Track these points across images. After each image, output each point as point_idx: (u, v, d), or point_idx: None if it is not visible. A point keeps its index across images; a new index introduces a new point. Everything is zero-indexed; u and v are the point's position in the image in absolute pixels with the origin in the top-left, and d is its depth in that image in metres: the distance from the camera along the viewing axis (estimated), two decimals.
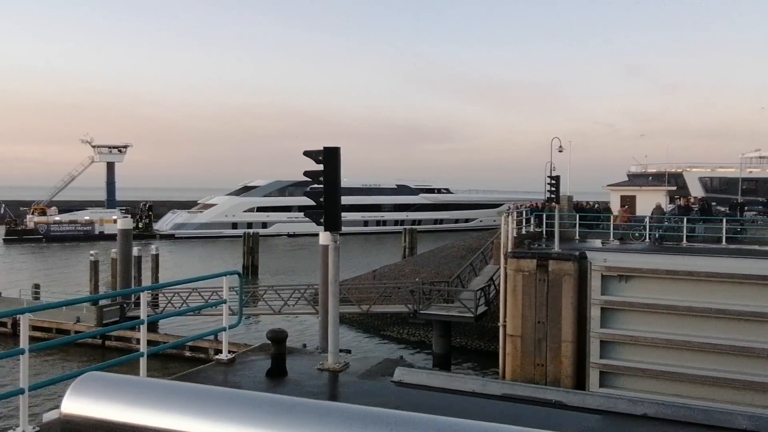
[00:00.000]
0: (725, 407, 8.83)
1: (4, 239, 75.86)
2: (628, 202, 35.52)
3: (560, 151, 29.75)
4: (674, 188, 47.60)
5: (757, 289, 18.81)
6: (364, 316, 32.19)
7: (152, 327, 30.47)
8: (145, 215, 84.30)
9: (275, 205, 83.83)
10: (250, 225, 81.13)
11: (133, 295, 31.49)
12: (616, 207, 34.57)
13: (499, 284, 24.76)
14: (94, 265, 37.92)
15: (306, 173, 8.68)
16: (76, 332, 28.74)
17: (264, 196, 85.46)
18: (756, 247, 22.66)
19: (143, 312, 7.35)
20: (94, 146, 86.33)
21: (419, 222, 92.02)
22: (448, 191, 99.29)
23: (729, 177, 61.51)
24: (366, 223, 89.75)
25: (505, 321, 21.34)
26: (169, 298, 31.96)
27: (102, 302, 31.43)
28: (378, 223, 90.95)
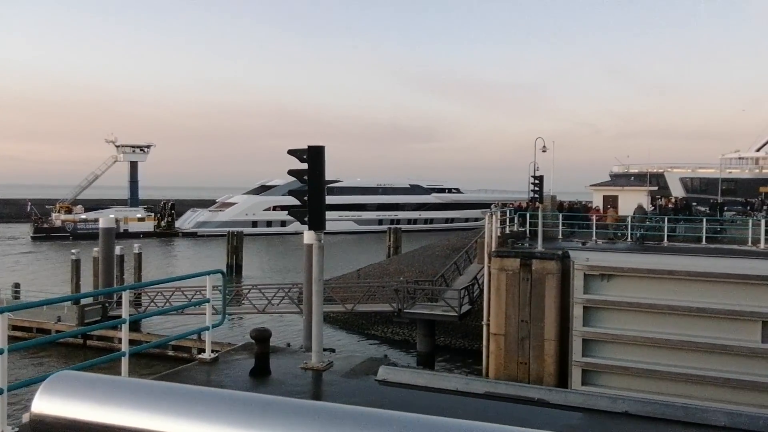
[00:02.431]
0: (704, 404, 8.96)
1: (32, 237, 76.94)
2: (610, 201, 35.83)
3: (544, 151, 29.99)
4: (656, 188, 48.11)
5: (735, 287, 19.08)
6: (349, 315, 32.16)
7: (135, 326, 30.20)
8: (168, 214, 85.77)
9: (292, 204, 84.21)
10: (269, 223, 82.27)
11: (115, 294, 31.18)
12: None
13: (482, 283, 24.87)
14: (76, 264, 37.51)
15: (290, 172, 8.67)
16: (57, 332, 28.39)
17: (282, 195, 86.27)
18: (735, 246, 22.99)
19: (125, 311, 7.29)
20: (117, 146, 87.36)
21: (431, 221, 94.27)
22: (458, 191, 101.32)
23: (709, 177, 62.35)
24: (381, 222, 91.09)
25: (488, 320, 21.44)
26: (152, 297, 31.70)
27: (83, 301, 31.08)
28: (392, 221, 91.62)
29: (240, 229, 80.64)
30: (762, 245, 22.59)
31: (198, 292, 29.31)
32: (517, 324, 20.72)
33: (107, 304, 31.52)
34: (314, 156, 8.41)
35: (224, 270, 11.82)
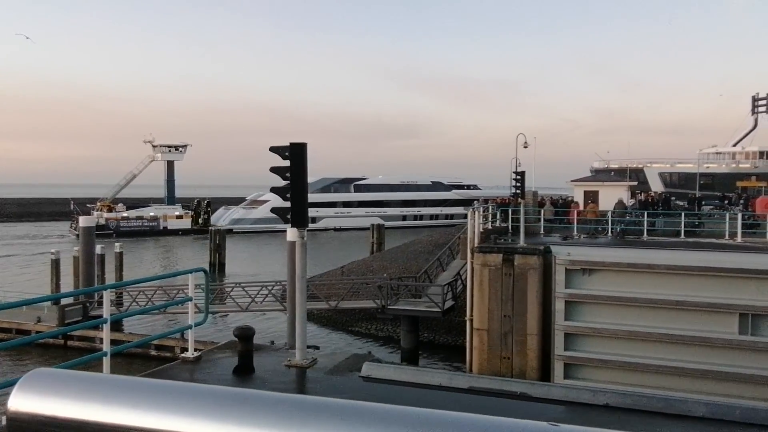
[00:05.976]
0: (684, 396, 9.11)
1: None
2: (591, 197, 36.20)
3: (525, 147, 30.12)
4: (635, 183, 48.68)
5: (713, 280, 19.37)
6: (333, 312, 32.13)
7: (116, 326, 29.89)
8: (204, 211, 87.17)
9: (322, 201, 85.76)
10: None
11: (96, 294, 30.84)
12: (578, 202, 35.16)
13: (465, 279, 25.00)
14: (56, 264, 37.04)
15: (272, 169, 8.63)
16: (37, 332, 28.02)
17: (311, 193, 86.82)
18: (713, 240, 23.38)
19: (106, 310, 7.24)
20: (154, 146, 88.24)
21: (452, 216, 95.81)
22: (476, 187, 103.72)
23: (687, 172, 63.18)
24: (404, 218, 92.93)
25: (471, 315, 21.56)
26: (133, 296, 31.41)
27: (64, 301, 30.70)
28: (415, 217, 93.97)
29: (273, 226, 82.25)
30: (739, 239, 23.00)
31: (181, 291, 29.11)
32: (499, 319, 20.86)
33: (88, 304, 31.18)
34: (296, 153, 8.39)
35: (207, 268, 11.75)
